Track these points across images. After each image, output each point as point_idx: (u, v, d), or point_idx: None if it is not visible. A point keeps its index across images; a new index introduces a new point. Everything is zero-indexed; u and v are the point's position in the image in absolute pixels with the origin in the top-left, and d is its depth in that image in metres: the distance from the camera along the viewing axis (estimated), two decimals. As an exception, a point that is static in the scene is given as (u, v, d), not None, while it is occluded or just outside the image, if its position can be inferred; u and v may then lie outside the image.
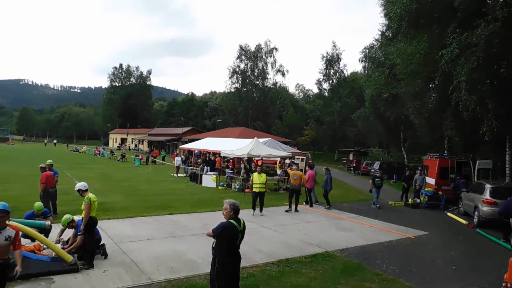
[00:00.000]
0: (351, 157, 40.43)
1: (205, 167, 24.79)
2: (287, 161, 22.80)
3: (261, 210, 12.73)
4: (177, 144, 59.51)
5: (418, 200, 16.90)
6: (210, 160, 25.52)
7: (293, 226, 11.65)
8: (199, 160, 32.24)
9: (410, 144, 33.70)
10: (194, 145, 32.55)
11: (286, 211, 13.61)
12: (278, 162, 22.72)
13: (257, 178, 12.63)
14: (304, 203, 15.07)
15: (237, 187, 19.27)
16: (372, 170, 30.92)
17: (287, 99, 67.83)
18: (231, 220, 5.29)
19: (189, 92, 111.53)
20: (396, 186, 23.04)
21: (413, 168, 23.09)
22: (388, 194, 19.76)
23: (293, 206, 14.07)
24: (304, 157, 24.51)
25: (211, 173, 21.96)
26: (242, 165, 24.16)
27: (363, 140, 48.39)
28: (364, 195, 20.33)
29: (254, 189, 12.66)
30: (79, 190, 8.15)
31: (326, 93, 53.92)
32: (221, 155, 22.71)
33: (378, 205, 15.79)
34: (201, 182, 21.36)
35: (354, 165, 34.49)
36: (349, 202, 17.37)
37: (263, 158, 26.06)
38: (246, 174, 19.01)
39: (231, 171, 22.24)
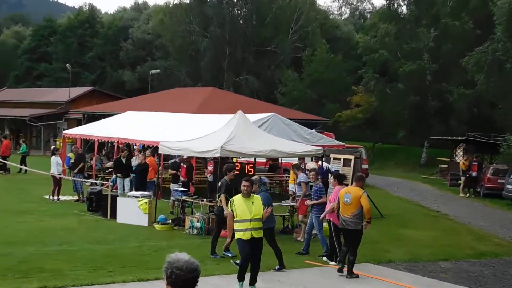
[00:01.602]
0: (458, 155, 40.63)
1: (122, 179, 24.99)
2: (310, 164, 22.90)
3: (252, 284, 12.71)
4: (57, 126, 59.29)
5: None
6: (129, 165, 25.57)
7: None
8: (109, 164, 32.20)
9: None
10: (97, 129, 32.47)
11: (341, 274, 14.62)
12: (292, 168, 22.79)
13: (243, 208, 12.54)
14: (324, 257, 16.18)
15: (198, 225, 19.38)
16: (509, 186, 31.15)
17: (312, 21, 67.99)
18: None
19: (85, 4, 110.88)
20: None
21: None
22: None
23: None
24: (352, 157, 24.68)
25: (137, 193, 22.02)
26: (208, 174, 24.21)
27: (490, 118, 48.61)
28: (491, 243, 20.64)
29: (238, 234, 12.60)
30: None
31: (404, 9, 54.11)
32: (159, 152, 22.72)
33: None
34: (114, 214, 21.52)
35: (475, 174, 34.52)
36: (455, 258, 17.70)
37: (258, 160, 26.15)
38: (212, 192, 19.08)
39: (184, 189, 22.31)
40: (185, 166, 23.78)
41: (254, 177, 15.75)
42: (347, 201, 14.50)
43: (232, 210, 12.68)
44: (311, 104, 58.24)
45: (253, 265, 12.86)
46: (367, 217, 14.67)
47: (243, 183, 12.84)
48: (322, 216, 16.43)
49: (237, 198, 12.84)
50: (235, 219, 12.67)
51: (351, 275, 14.52)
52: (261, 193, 14.91)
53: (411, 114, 51.94)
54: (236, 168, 19.83)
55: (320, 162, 23.09)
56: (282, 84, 62.42)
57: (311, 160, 23.79)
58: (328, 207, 15.89)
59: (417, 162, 51.21)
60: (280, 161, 31.76)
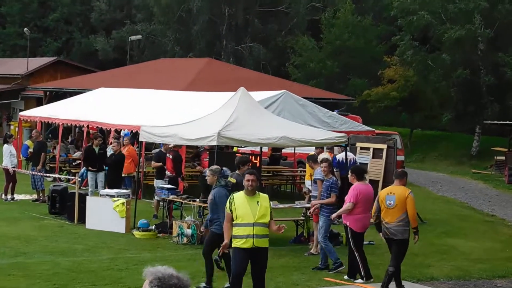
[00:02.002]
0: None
1: (94, 174, 25.04)
2: (322, 154, 22.80)
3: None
4: (12, 106, 59.23)
5: None
6: (103, 155, 25.55)
7: None
8: (77, 154, 32.12)
9: None
10: (63, 110, 32.38)
11: None
12: (307, 160, 22.74)
13: (245, 209, 12.44)
14: (346, 276, 16.28)
15: (189, 232, 19.34)
16: None
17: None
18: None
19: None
20: None
21: None
22: None
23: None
24: (384, 146, 24.60)
25: (112, 191, 21.95)
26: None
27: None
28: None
29: (235, 242, 12.51)
30: None
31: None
32: (140, 139, 22.66)
33: None
34: (82, 218, 21.53)
35: None
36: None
37: (263, 149, 26.02)
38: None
39: (171, 187, 22.26)
40: (170, 156, 23.67)
41: (213, 167, 15.68)
42: (390, 204, 14.43)
43: (230, 210, 12.61)
44: (332, 79, 58.11)
45: (255, 283, 12.79)
46: (412, 226, 14.56)
47: (247, 176, 12.71)
48: (333, 215, 16.42)
49: (239, 196, 12.71)
50: (234, 222, 12.58)
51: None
52: (217, 188, 14.79)
53: (459, 93, 51.75)
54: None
55: (339, 154, 23.03)
56: (295, 53, 62.26)
57: (325, 150, 23.74)
58: (344, 207, 15.93)
59: (467, 153, 51.05)
60: (292, 151, 31.69)
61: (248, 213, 12.47)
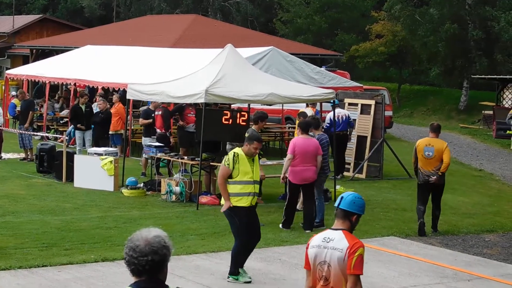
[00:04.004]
0: (506, 99, 40.40)
1: (81, 133, 24.95)
2: (306, 110, 22.68)
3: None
4: (-3, 64, 58.94)
5: None
6: (89, 114, 25.41)
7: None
8: (64, 112, 31.96)
9: None
10: (49, 68, 32.21)
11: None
12: (297, 116, 22.74)
13: (248, 167, 12.27)
14: (281, 224, 16.83)
15: (177, 189, 19.32)
16: None
17: None
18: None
19: None
20: None
21: None
22: None
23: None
24: (372, 102, 24.55)
25: (100, 149, 21.90)
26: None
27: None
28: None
29: (238, 200, 12.27)
30: None
31: None
32: (127, 97, 22.56)
33: None
34: (70, 177, 21.54)
35: None
36: (504, 230, 17.67)
37: (252, 106, 26.01)
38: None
39: (159, 144, 22.18)
40: (159, 113, 23.41)
41: None
42: (429, 155, 16.31)
43: (234, 167, 12.33)
44: (320, 35, 57.91)
45: (255, 237, 12.68)
46: (442, 170, 16.40)
47: (256, 144, 12.53)
48: (282, 176, 17.18)
49: (241, 153, 12.59)
50: (233, 179, 12.31)
51: (436, 229, 16.75)
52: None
53: (447, 47, 51.63)
54: (225, 117, 19.67)
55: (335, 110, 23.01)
56: (283, 9, 61.94)
57: (306, 106, 23.71)
58: (285, 163, 16.73)
59: (455, 107, 51.10)
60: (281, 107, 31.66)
61: (249, 171, 12.38)
